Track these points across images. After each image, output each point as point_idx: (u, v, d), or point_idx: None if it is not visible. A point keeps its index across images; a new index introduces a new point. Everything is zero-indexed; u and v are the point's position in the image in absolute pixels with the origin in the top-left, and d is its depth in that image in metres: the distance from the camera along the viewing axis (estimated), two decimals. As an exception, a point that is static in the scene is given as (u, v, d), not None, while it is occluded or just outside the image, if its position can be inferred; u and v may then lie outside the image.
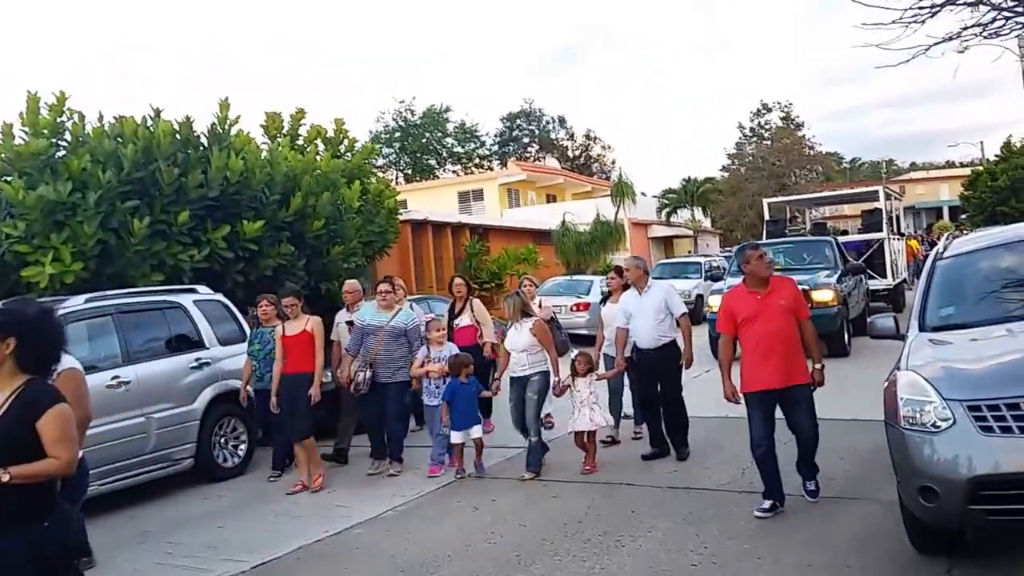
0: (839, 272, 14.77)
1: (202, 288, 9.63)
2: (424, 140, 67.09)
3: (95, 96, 73.01)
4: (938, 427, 4.34)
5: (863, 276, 17.01)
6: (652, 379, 8.14)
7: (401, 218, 18.67)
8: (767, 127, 67.38)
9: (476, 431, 8.02)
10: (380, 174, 23.47)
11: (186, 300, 9.07)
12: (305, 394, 8.04)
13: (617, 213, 32.30)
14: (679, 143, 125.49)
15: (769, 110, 67.71)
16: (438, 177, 62.44)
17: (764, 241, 18.99)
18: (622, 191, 33.41)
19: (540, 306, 9.95)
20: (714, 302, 13.99)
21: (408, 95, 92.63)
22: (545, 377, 7.96)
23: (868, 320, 6.51)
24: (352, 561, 6.00)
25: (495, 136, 72.35)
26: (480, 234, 29.09)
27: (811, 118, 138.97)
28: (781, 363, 6.04)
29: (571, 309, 18.42)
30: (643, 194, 43.06)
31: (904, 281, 21.51)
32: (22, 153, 10.09)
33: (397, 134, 66.57)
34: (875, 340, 6.10)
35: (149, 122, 10.95)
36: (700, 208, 44.93)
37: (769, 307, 6.11)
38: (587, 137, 73.40)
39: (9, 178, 9.95)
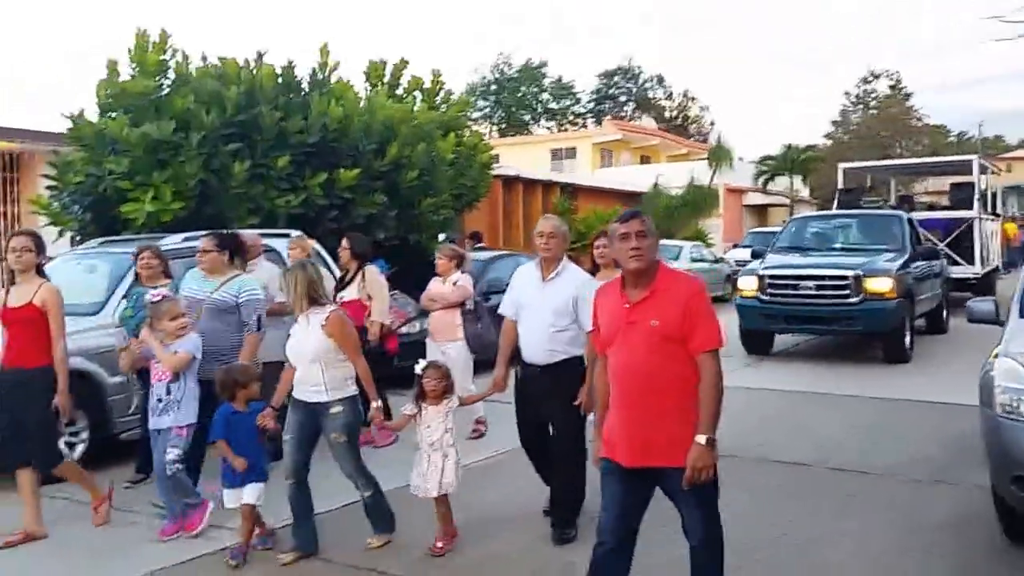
0: (906, 256, 12.01)
1: (295, 233, 9.74)
2: (519, 95, 66.86)
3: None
4: (1036, 417, 4.12)
5: (942, 262, 14.53)
6: (537, 412, 5.32)
7: (493, 173, 18.67)
8: (873, 95, 65.26)
9: (249, 493, 4.98)
10: (474, 127, 23.47)
11: (280, 245, 9.18)
12: (38, 401, 5.29)
13: (713, 177, 31.63)
14: (781, 108, 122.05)
15: (877, 77, 65.64)
16: (532, 133, 62.23)
17: (817, 213, 17.62)
18: (720, 155, 32.70)
19: (455, 284, 7.59)
20: (744, 284, 11.88)
21: (506, 48, 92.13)
22: (353, 406, 4.99)
23: (967, 304, 6.16)
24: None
25: (591, 93, 71.58)
26: (570, 193, 28.92)
27: (920, 88, 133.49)
28: (635, 425, 3.51)
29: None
30: (740, 159, 42.17)
31: (996, 269, 18.85)
32: (128, 90, 10.36)
33: (493, 87, 66.51)
34: (972, 325, 5.85)
35: (252, 65, 11.11)
36: (800, 176, 43.73)
37: (635, 325, 3.52)
38: (685, 97, 72.06)
39: (114, 114, 10.22)
